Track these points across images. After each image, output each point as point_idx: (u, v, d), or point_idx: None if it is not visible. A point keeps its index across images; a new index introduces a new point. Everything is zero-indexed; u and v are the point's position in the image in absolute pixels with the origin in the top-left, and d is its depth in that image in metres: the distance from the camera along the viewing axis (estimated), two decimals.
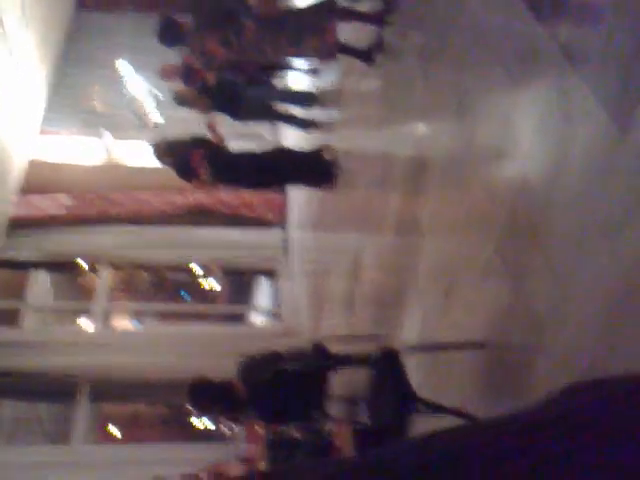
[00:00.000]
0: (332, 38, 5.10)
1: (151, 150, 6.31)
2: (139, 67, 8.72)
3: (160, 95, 8.20)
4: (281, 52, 5.13)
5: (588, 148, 2.51)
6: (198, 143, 6.12)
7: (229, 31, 5.05)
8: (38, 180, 8.10)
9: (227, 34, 5.06)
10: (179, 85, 6.54)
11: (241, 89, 6.48)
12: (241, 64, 5.32)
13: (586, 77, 2.50)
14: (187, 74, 6.35)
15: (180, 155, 6.09)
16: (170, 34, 5.49)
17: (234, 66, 5.36)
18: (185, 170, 6.11)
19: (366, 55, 5.35)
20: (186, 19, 5.48)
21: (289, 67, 7.58)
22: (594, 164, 2.46)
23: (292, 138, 8.22)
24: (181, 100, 6.53)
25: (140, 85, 8.54)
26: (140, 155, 8.85)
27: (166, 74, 6.51)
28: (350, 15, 5.26)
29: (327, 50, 5.11)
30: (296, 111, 7.38)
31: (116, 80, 8.70)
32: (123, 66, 8.62)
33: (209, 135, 6.24)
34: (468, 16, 3.68)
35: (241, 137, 8.08)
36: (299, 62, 7.35)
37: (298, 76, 7.62)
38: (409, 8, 4.78)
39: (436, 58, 4.16)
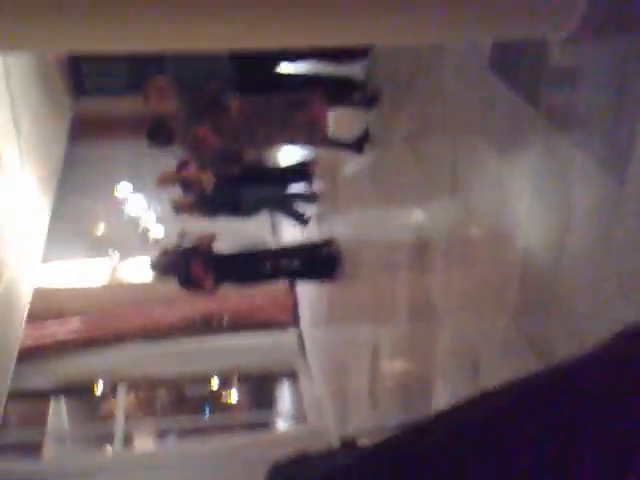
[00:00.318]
0: (321, 115, 5.11)
1: (151, 269, 6.34)
2: (137, 187, 8.89)
3: (160, 211, 8.32)
4: (271, 132, 5.12)
5: (588, 205, 2.49)
6: (194, 253, 6.13)
7: (217, 116, 5.09)
8: (46, 307, 8.11)
9: (216, 119, 5.09)
10: (177, 193, 6.61)
11: (238, 191, 6.55)
12: (234, 153, 5.30)
13: (573, 136, 2.51)
14: (184, 183, 6.44)
15: (180, 269, 6.10)
16: (161, 134, 5.51)
17: (228, 155, 5.34)
18: (188, 282, 6.11)
19: (355, 146, 5.43)
20: (174, 118, 5.52)
21: (284, 171, 7.71)
22: (597, 220, 2.43)
23: (291, 232, 8.28)
24: (179, 209, 6.58)
25: (140, 204, 8.68)
26: (144, 272, 8.89)
27: (163, 182, 6.56)
28: (337, 101, 5.34)
29: (316, 130, 5.10)
30: (294, 205, 7.47)
31: (116, 202, 8.85)
32: (122, 188, 8.79)
33: (197, 240, 6.29)
34: (448, 97, 3.74)
35: (239, 237, 8.16)
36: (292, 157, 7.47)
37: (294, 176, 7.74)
38: (391, 95, 4.89)
39: (423, 140, 4.22)
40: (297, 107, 5.09)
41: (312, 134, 5.07)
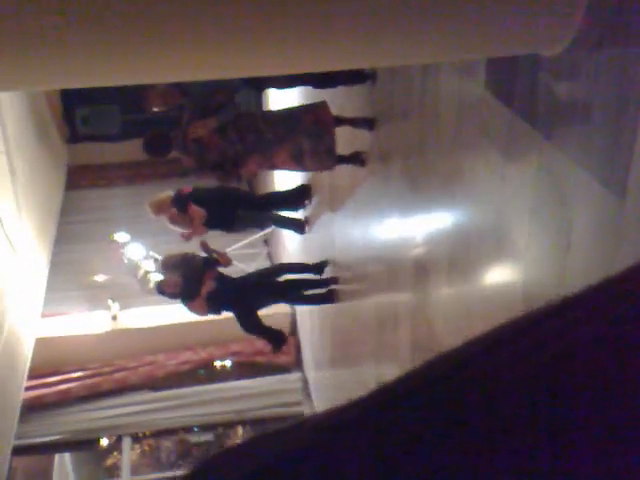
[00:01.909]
0: (329, 119, 5.00)
1: (159, 264, 6.31)
2: (135, 234, 8.88)
3: (158, 257, 8.29)
4: (278, 134, 4.98)
5: (589, 223, 2.46)
6: (210, 264, 6.13)
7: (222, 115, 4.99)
8: (47, 357, 8.04)
9: (220, 120, 4.97)
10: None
11: (231, 210, 6.59)
12: (237, 157, 5.13)
13: (571, 152, 2.49)
14: (179, 199, 6.38)
15: (190, 275, 6.07)
16: (159, 142, 5.37)
17: (231, 159, 5.14)
18: (191, 289, 6.09)
19: (357, 158, 5.39)
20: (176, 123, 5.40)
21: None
22: (600, 238, 2.39)
23: (290, 250, 8.31)
24: (175, 222, 6.48)
25: (138, 251, 8.65)
26: (145, 319, 8.82)
27: (158, 208, 6.48)
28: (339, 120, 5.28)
29: (325, 135, 4.98)
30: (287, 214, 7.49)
31: (114, 250, 8.82)
32: (120, 236, 8.77)
33: (214, 256, 6.29)
34: (443, 121, 3.75)
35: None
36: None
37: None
38: (388, 120, 4.88)
39: (420, 164, 4.20)
40: (304, 111, 5.06)
41: (320, 139, 4.98)
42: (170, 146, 5.21)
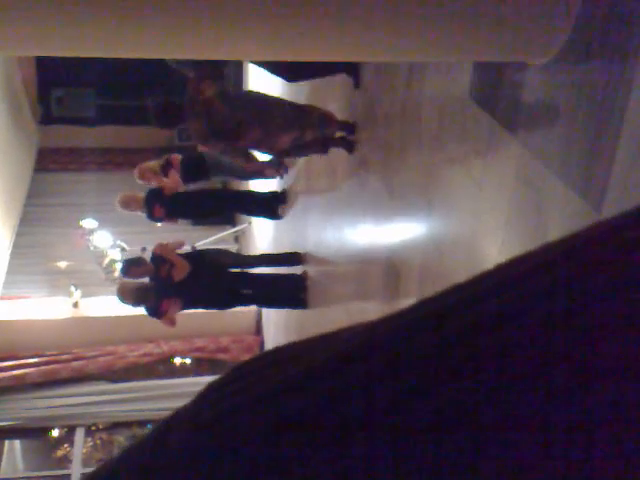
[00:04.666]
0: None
1: (118, 296, 6.14)
2: (102, 222, 8.75)
3: (126, 246, 8.18)
4: (288, 118, 4.93)
5: (564, 234, 2.45)
6: (165, 289, 5.97)
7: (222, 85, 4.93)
8: (4, 341, 7.88)
9: (219, 88, 4.89)
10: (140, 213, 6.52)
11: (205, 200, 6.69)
12: (239, 125, 5.03)
13: (550, 162, 2.49)
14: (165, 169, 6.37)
15: (150, 304, 5.97)
16: (171, 111, 5.19)
17: (233, 126, 5.03)
18: (155, 313, 6.00)
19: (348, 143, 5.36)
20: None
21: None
22: None
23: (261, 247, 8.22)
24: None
25: (105, 239, 8.52)
26: (108, 308, 8.69)
27: (126, 203, 6.43)
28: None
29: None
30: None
31: (80, 236, 8.68)
32: (87, 222, 8.63)
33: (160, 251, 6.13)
34: (424, 127, 3.74)
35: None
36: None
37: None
38: (368, 126, 4.87)
39: (399, 167, 4.19)
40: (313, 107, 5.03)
41: (323, 131, 4.95)
42: (181, 115, 5.03)
